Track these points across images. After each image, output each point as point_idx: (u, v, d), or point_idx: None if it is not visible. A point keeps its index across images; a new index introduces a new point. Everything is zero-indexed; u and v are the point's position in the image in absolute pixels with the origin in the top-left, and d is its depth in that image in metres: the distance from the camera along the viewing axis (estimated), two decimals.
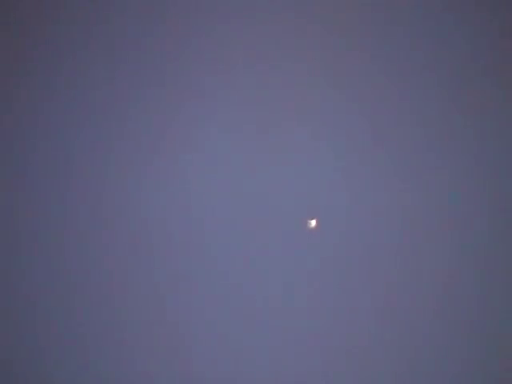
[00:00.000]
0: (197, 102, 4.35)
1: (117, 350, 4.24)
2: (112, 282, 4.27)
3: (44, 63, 4.40)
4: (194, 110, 4.35)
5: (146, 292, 4.27)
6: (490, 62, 4.28)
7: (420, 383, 4.16)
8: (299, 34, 4.33)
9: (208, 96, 4.35)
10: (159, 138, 4.34)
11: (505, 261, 4.18)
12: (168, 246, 4.29)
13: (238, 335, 4.24)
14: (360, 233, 4.24)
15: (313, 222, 4.20)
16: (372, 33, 4.32)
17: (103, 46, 4.39)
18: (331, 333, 4.21)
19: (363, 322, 4.21)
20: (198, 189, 4.31)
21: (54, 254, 4.29)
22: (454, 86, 4.29)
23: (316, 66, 4.34)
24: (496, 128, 4.25)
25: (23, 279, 4.29)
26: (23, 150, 4.36)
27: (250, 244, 4.26)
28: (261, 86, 4.34)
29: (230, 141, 4.33)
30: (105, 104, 4.37)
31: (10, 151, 4.36)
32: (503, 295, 4.17)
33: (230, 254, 4.26)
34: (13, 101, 4.38)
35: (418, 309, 4.19)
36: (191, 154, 4.33)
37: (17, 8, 4.40)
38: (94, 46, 4.39)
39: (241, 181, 4.30)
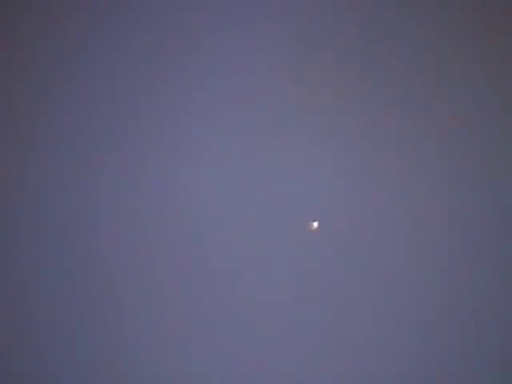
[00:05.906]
0: (198, 102, 4.35)
1: (116, 350, 4.24)
2: (112, 281, 4.27)
3: (44, 63, 4.39)
4: (195, 111, 4.35)
5: (145, 292, 4.27)
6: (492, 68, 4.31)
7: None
8: (301, 43, 4.34)
9: (209, 97, 4.34)
10: (160, 140, 4.34)
11: (506, 263, 4.21)
12: (168, 247, 4.29)
13: (238, 335, 4.24)
14: (361, 234, 4.25)
15: (315, 224, 4.21)
16: (372, 41, 4.33)
17: (103, 45, 4.38)
18: (331, 334, 4.23)
19: (363, 324, 4.22)
20: (198, 189, 4.31)
21: (54, 253, 4.29)
22: (454, 91, 4.31)
23: (316, 68, 4.35)
24: (497, 134, 4.27)
25: (22, 278, 4.28)
26: (23, 149, 4.35)
27: (251, 245, 4.27)
28: (262, 88, 4.34)
29: (230, 142, 4.33)
30: (104, 105, 4.37)
31: (9, 151, 4.34)
32: (504, 296, 4.19)
33: (231, 254, 4.27)
34: (13, 100, 4.36)
35: (419, 310, 4.21)
36: (191, 155, 4.33)
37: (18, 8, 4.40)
38: (94, 46, 4.38)
39: (241, 182, 4.30)
